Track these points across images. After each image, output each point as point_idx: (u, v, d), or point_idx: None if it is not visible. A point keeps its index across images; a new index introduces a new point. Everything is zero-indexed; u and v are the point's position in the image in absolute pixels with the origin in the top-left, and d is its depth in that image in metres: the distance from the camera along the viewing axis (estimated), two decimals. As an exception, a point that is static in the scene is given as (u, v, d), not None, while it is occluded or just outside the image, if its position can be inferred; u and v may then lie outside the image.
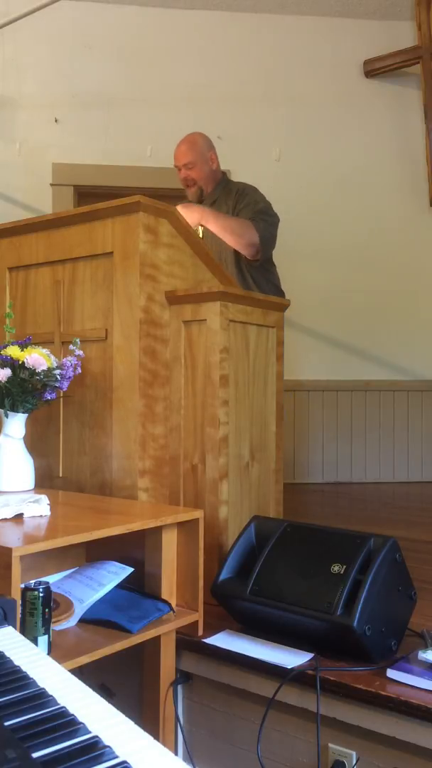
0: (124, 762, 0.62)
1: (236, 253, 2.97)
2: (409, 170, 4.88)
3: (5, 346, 2.02)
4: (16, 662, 0.86)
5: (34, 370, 1.96)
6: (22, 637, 0.97)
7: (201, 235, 2.93)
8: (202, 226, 2.90)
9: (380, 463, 4.87)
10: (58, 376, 1.99)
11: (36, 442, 2.22)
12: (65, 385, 2.02)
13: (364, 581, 1.59)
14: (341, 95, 4.85)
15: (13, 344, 2.01)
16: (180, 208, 2.70)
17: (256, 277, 3.01)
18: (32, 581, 1.44)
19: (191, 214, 2.80)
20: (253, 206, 2.98)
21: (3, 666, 0.85)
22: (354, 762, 1.56)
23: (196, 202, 3.10)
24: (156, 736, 1.39)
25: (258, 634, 1.79)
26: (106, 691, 1.88)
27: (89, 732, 0.68)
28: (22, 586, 1.40)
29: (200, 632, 1.81)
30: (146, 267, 2.05)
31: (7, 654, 0.89)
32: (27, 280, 2.33)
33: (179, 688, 1.88)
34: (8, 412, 2.00)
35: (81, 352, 2.04)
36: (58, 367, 2.00)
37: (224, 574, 1.83)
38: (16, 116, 4.60)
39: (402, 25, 4.84)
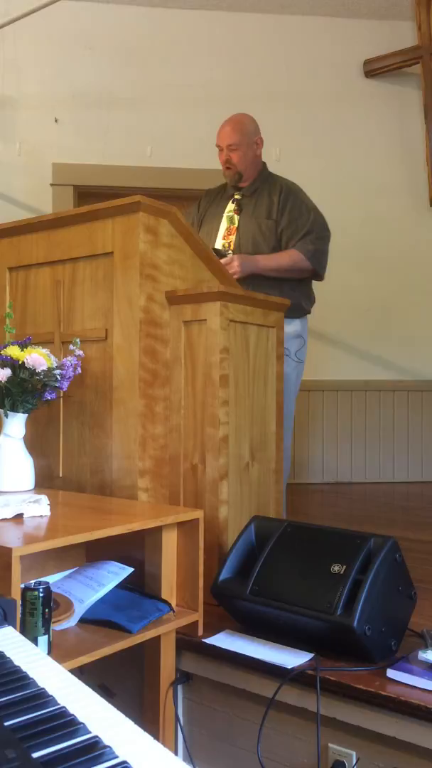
0: (124, 762, 0.62)
1: (273, 249, 2.86)
2: (409, 170, 4.88)
3: (5, 346, 2.02)
4: (16, 662, 0.86)
5: (34, 370, 1.96)
6: (22, 637, 0.97)
7: (236, 225, 2.84)
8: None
9: (380, 463, 4.86)
10: (58, 376, 1.99)
11: (36, 442, 2.22)
12: (65, 385, 2.02)
13: (364, 581, 1.59)
14: (341, 95, 4.85)
15: (13, 344, 2.01)
16: (227, 263, 2.59)
17: (288, 288, 2.89)
18: (32, 581, 1.43)
19: (238, 270, 2.66)
20: (301, 228, 2.84)
21: (3, 666, 0.85)
22: (354, 762, 1.56)
23: (233, 186, 2.95)
24: (156, 736, 1.39)
25: (258, 634, 1.79)
26: (106, 691, 1.88)
27: (89, 732, 0.68)
28: (22, 586, 1.40)
29: (200, 632, 1.81)
30: (146, 267, 2.05)
31: (7, 654, 0.89)
32: (27, 280, 2.33)
33: (179, 688, 1.88)
34: (8, 412, 2.00)
35: (81, 352, 2.04)
36: (58, 367, 2.00)
37: (224, 574, 1.83)
38: (16, 116, 4.60)
39: (402, 25, 4.84)
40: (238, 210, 2.87)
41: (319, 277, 2.95)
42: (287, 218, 2.86)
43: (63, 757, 0.63)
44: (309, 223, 2.85)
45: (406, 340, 4.85)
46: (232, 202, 2.91)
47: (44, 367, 1.97)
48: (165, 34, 4.70)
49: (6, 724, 0.69)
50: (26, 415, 2.03)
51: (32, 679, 0.81)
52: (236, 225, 2.83)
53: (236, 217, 2.86)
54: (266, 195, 2.93)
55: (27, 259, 2.30)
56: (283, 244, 2.87)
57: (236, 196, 2.91)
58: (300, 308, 2.90)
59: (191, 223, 2.88)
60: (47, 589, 1.42)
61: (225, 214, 2.92)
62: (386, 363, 4.85)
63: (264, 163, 3.05)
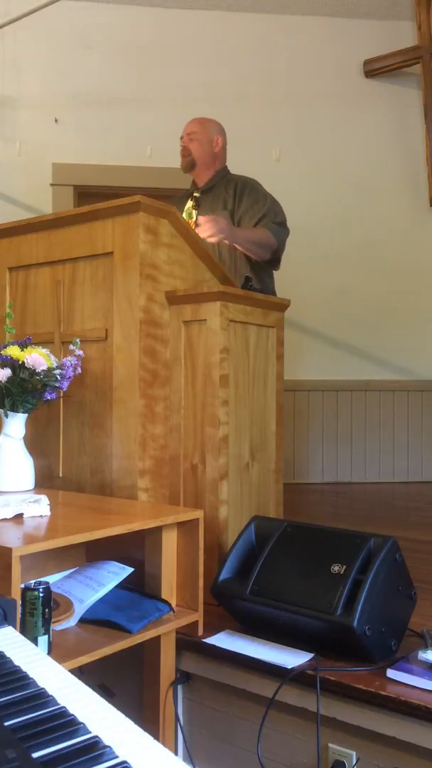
0: (124, 762, 0.62)
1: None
2: (409, 170, 4.88)
3: (5, 346, 2.02)
4: (16, 662, 0.86)
5: (34, 370, 1.96)
6: (22, 637, 0.97)
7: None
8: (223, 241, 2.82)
9: (380, 463, 4.86)
10: (58, 376, 1.99)
11: (36, 442, 2.22)
12: (65, 385, 2.02)
13: (364, 581, 1.59)
14: (341, 95, 4.85)
15: (13, 344, 2.01)
16: (204, 221, 2.64)
17: (250, 270, 2.95)
18: (32, 581, 1.43)
19: (215, 229, 2.68)
20: (259, 211, 2.91)
21: (3, 666, 0.85)
22: (354, 762, 1.56)
23: (187, 171, 3.08)
24: (156, 736, 1.39)
25: (258, 634, 1.79)
26: (106, 691, 1.88)
27: (89, 732, 0.68)
28: (22, 586, 1.40)
29: (200, 632, 1.81)
30: (146, 267, 2.05)
31: (7, 654, 0.89)
32: (27, 280, 2.33)
33: (179, 688, 1.88)
34: (8, 412, 2.00)
35: (81, 352, 2.04)
36: (58, 367, 2.00)
37: (224, 574, 1.83)
38: (16, 116, 4.60)
39: (402, 25, 4.84)
40: (197, 206, 2.94)
41: (276, 262, 2.98)
42: (244, 205, 2.95)
43: (63, 757, 0.63)
44: (266, 207, 2.93)
45: (406, 340, 4.84)
46: (191, 200, 2.99)
47: (44, 367, 1.97)
48: (165, 34, 4.70)
49: (6, 724, 0.69)
50: (26, 415, 2.03)
51: (32, 679, 0.81)
52: (194, 219, 2.88)
53: (194, 213, 2.93)
54: (222, 190, 3.04)
55: (27, 259, 2.30)
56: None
57: (195, 194, 2.99)
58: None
59: None
60: (47, 589, 1.42)
61: (184, 211, 2.97)
62: (386, 363, 4.85)
63: (225, 167, 3.15)
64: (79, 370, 2.04)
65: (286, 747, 1.67)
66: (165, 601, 1.76)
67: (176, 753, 1.85)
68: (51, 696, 0.76)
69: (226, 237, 2.74)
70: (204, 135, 3.06)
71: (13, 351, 1.97)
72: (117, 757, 0.64)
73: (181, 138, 3.11)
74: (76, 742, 0.66)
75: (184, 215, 2.95)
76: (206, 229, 2.63)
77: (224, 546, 2.04)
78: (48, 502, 1.75)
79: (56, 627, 1.56)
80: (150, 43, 4.68)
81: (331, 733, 1.59)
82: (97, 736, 0.67)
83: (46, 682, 0.81)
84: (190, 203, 2.97)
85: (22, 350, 1.98)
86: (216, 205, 2.99)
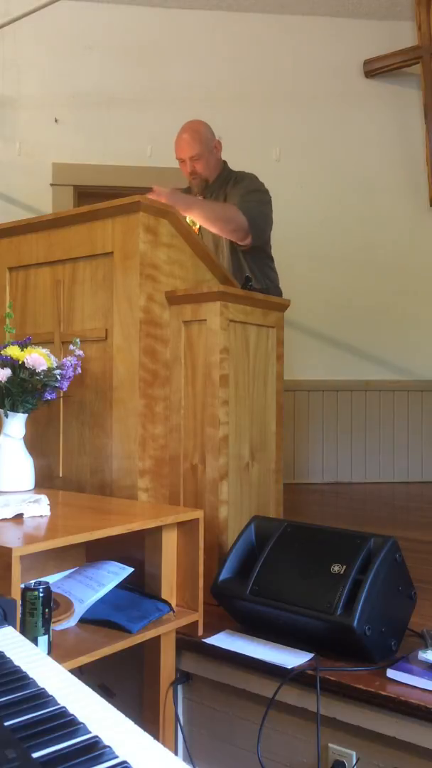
0: (124, 762, 0.62)
1: (232, 243, 2.87)
2: (409, 170, 4.88)
3: (5, 346, 2.02)
4: (16, 662, 0.86)
5: (34, 370, 1.96)
6: (22, 637, 0.97)
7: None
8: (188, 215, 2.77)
9: (380, 463, 4.86)
10: (58, 376, 1.99)
11: (36, 442, 2.22)
12: (65, 385, 2.02)
13: (364, 581, 1.59)
14: (341, 95, 4.85)
15: (13, 344, 2.01)
16: (164, 199, 2.48)
17: (253, 267, 2.91)
18: (32, 581, 1.43)
19: (169, 199, 2.56)
20: (242, 191, 2.83)
21: (3, 666, 0.85)
22: (354, 762, 1.56)
23: (200, 192, 2.96)
24: (156, 736, 1.39)
25: (258, 634, 1.79)
26: (106, 691, 1.88)
27: (89, 732, 0.68)
28: (22, 586, 1.40)
29: (200, 632, 1.81)
30: (146, 267, 2.05)
31: (7, 654, 0.89)
32: (27, 280, 2.33)
33: (179, 688, 1.88)
34: (8, 412, 2.00)
35: (81, 352, 2.04)
36: (58, 367, 2.00)
37: (224, 574, 1.83)
38: (16, 116, 4.60)
39: (402, 25, 4.84)
40: None
41: (259, 243, 2.86)
42: (230, 194, 2.88)
43: (63, 757, 0.63)
44: (243, 189, 2.85)
45: (406, 340, 4.84)
46: None
47: (44, 367, 1.97)
48: (165, 34, 4.70)
49: (6, 724, 0.69)
50: (26, 415, 2.03)
51: (32, 679, 0.81)
52: (197, 226, 2.83)
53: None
54: (222, 192, 2.96)
55: (27, 259, 2.30)
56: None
57: (200, 198, 2.93)
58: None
59: None
60: (47, 589, 1.42)
61: (188, 217, 2.92)
62: (386, 363, 4.85)
63: (224, 163, 3.05)
64: (79, 370, 2.04)
65: (286, 747, 1.67)
66: (165, 601, 1.76)
67: (176, 753, 1.85)
68: (51, 696, 0.76)
69: (177, 204, 2.49)
70: (205, 150, 2.91)
71: (13, 351, 1.97)
72: (117, 757, 0.64)
73: (181, 161, 2.96)
74: (76, 742, 0.66)
75: (188, 221, 2.92)
76: (162, 198, 2.49)
77: (224, 546, 2.04)
78: (48, 502, 1.75)
79: (56, 627, 1.56)
80: (150, 43, 4.68)
81: (331, 733, 1.59)
82: (97, 736, 0.67)
83: (46, 682, 0.81)
84: None
85: (22, 350, 1.98)
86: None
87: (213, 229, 2.78)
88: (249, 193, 2.83)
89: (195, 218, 2.73)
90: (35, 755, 0.63)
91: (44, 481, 2.19)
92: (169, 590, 1.82)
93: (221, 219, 2.74)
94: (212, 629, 1.83)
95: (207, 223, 2.74)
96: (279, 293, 2.98)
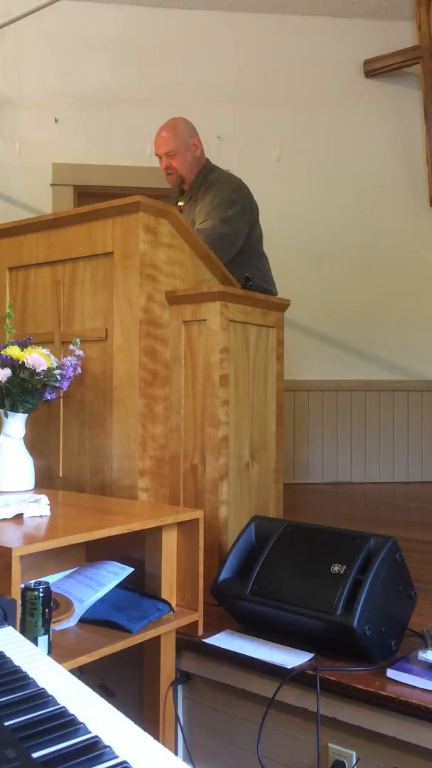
0: (124, 762, 0.62)
1: None
2: (409, 170, 4.88)
3: (5, 346, 2.02)
4: (16, 662, 0.86)
5: (34, 370, 1.96)
6: (22, 637, 0.97)
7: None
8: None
9: (380, 463, 4.86)
10: (58, 376, 1.99)
11: (36, 442, 2.22)
12: (65, 385, 2.02)
13: (364, 581, 1.59)
14: (341, 95, 4.85)
15: (13, 344, 2.01)
16: None
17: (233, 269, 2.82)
18: (32, 581, 1.44)
19: None
20: (216, 211, 2.74)
21: (3, 666, 0.85)
22: (354, 762, 1.56)
23: (176, 189, 2.94)
24: (156, 736, 1.39)
25: (258, 634, 1.79)
26: (106, 691, 1.88)
27: (89, 732, 0.68)
28: (22, 586, 1.40)
29: (200, 632, 1.81)
30: (146, 267, 2.05)
31: (7, 654, 0.89)
32: (27, 280, 2.33)
33: (179, 688, 1.88)
34: (8, 412, 2.00)
35: (81, 352, 2.04)
36: (58, 367, 2.00)
37: (224, 574, 1.83)
38: (16, 116, 4.60)
39: (402, 25, 4.84)
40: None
41: (234, 251, 2.79)
42: (205, 206, 2.81)
43: (63, 757, 0.63)
44: (214, 203, 2.77)
45: (406, 339, 4.85)
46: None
47: (44, 367, 1.97)
48: (165, 34, 4.70)
49: (6, 724, 0.69)
50: (26, 415, 2.03)
51: (32, 679, 0.81)
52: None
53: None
54: (202, 195, 2.92)
55: (27, 259, 2.30)
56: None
57: (180, 204, 2.90)
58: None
59: None
60: (47, 589, 1.42)
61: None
62: (386, 363, 4.85)
63: (207, 161, 3.00)
64: (79, 370, 2.04)
65: (286, 747, 1.67)
66: (165, 601, 1.76)
67: (176, 753, 1.85)
68: (51, 696, 0.76)
69: None
70: (181, 147, 2.89)
71: (13, 351, 1.97)
72: (117, 757, 0.63)
73: (158, 156, 2.95)
74: (76, 742, 0.66)
75: None
76: None
77: (224, 546, 2.04)
78: (48, 502, 1.75)
79: (56, 627, 1.56)
80: (150, 43, 4.68)
81: (331, 733, 1.59)
82: (97, 736, 0.67)
83: (46, 682, 0.81)
84: None
85: (22, 350, 1.98)
86: (191, 214, 2.89)
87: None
88: (221, 210, 2.75)
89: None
90: (35, 755, 0.63)
91: (44, 481, 2.19)
92: (169, 590, 1.82)
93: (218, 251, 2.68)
94: (212, 629, 1.83)
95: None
96: (269, 291, 2.92)
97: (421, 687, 1.49)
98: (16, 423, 2.01)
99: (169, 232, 2.13)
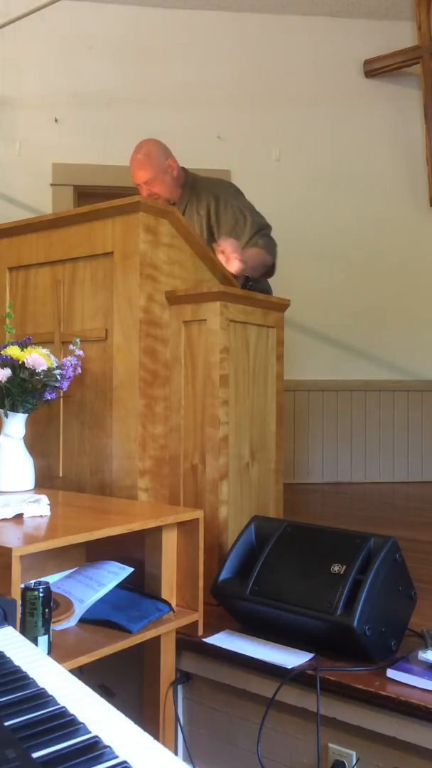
0: (124, 762, 0.62)
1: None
2: (409, 170, 4.88)
3: (5, 346, 2.02)
4: (16, 662, 0.86)
5: (34, 370, 1.96)
6: (22, 637, 0.97)
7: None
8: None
9: (380, 463, 4.86)
10: (58, 376, 1.99)
11: (36, 442, 2.22)
12: (65, 385, 2.02)
13: (364, 581, 1.59)
14: (341, 95, 4.85)
15: (13, 344, 2.01)
16: (233, 268, 2.40)
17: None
18: (32, 581, 1.44)
19: (231, 266, 2.45)
20: (244, 232, 2.76)
21: (3, 666, 0.85)
22: (354, 762, 1.56)
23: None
24: (156, 736, 1.39)
25: (258, 634, 1.79)
26: (106, 691, 1.88)
27: (89, 732, 0.68)
28: (22, 586, 1.40)
29: (200, 632, 1.81)
30: (146, 267, 2.05)
31: (7, 654, 0.89)
32: (27, 280, 2.33)
33: (179, 688, 1.88)
34: (8, 412, 2.00)
35: (81, 352, 2.04)
36: (58, 367, 2.00)
37: (224, 574, 1.83)
38: (16, 116, 4.60)
39: (402, 25, 4.84)
40: None
41: (273, 271, 2.86)
42: (224, 228, 2.80)
43: (63, 757, 0.63)
44: (250, 223, 2.79)
45: (406, 340, 4.85)
46: None
47: (44, 367, 1.97)
48: (165, 34, 4.70)
49: (6, 724, 0.69)
50: (26, 415, 2.03)
51: (32, 679, 0.81)
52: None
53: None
54: (195, 211, 2.87)
55: (27, 259, 2.30)
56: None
57: None
58: None
59: None
60: (47, 589, 1.42)
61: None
62: (386, 363, 4.85)
63: (185, 172, 2.94)
64: (79, 370, 2.04)
65: (286, 747, 1.67)
66: (165, 601, 1.76)
67: (176, 753, 1.85)
68: (51, 696, 0.76)
69: (240, 270, 2.48)
70: (159, 173, 2.82)
71: (13, 351, 1.97)
72: (117, 757, 0.64)
73: (138, 186, 2.88)
74: (76, 742, 0.66)
75: None
76: (231, 259, 2.41)
77: (224, 546, 2.04)
78: (48, 502, 1.75)
79: (56, 627, 1.56)
80: (150, 43, 4.68)
81: (331, 733, 1.59)
82: (97, 736, 0.67)
83: (46, 682, 0.81)
84: None
85: (22, 350, 1.98)
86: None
87: (256, 275, 2.72)
88: (259, 228, 2.78)
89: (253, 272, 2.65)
90: (35, 755, 0.63)
91: (44, 481, 2.19)
92: (169, 590, 1.82)
93: (265, 266, 2.74)
94: (212, 629, 1.83)
95: (256, 273, 2.70)
96: (269, 289, 2.91)
97: (421, 687, 1.49)
98: (16, 423, 2.01)
99: (169, 232, 2.13)
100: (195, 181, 2.94)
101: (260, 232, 2.81)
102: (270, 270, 2.84)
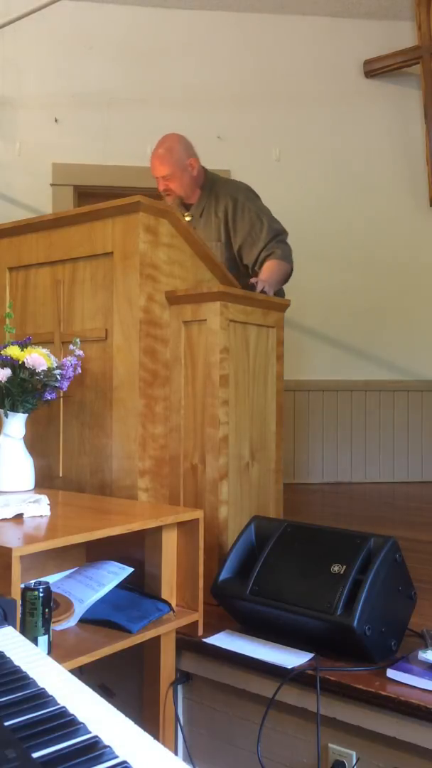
0: (124, 762, 0.62)
1: (231, 260, 2.83)
2: (409, 170, 4.88)
3: (5, 346, 2.02)
4: (16, 662, 0.86)
5: (34, 370, 1.96)
6: (22, 637, 0.97)
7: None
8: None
9: (380, 463, 4.86)
10: (58, 376, 1.99)
11: (36, 442, 2.22)
12: (65, 385, 2.02)
13: (364, 581, 1.59)
14: (341, 95, 4.85)
15: (13, 344, 2.01)
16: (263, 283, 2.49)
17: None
18: (32, 581, 1.44)
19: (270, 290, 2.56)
20: (261, 239, 2.77)
21: (3, 666, 0.85)
22: (354, 762, 1.56)
23: (178, 207, 2.85)
24: (156, 736, 1.39)
25: (258, 634, 1.79)
26: (106, 691, 1.88)
27: (89, 732, 0.68)
28: (22, 586, 1.40)
29: (200, 632, 1.81)
30: (146, 267, 2.05)
31: (7, 654, 0.89)
32: (27, 280, 2.33)
33: (179, 688, 1.88)
34: (8, 412, 2.00)
35: (81, 352, 2.04)
36: (58, 367, 2.00)
37: (224, 574, 1.83)
38: (16, 116, 4.60)
39: (402, 25, 4.84)
40: None
41: (290, 276, 2.90)
42: (241, 233, 2.81)
43: (63, 757, 0.63)
44: (266, 232, 2.80)
45: (406, 340, 4.85)
46: None
47: (44, 367, 1.97)
48: (165, 34, 4.70)
49: (6, 724, 0.69)
50: (26, 415, 2.03)
51: (32, 679, 0.81)
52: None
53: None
54: (213, 213, 2.86)
55: (27, 259, 2.30)
56: (244, 259, 2.83)
57: (186, 218, 2.85)
58: None
59: None
60: (47, 589, 1.42)
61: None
62: (386, 363, 4.85)
63: (206, 173, 2.94)
64: (79, 370, 2.04)
65: (286, 747, 1.67)
66: (165, 601, 1.76)
67: (176, 753, 1.85)
68: (51, 696, 0.76)
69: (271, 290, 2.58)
70: (177, 169, 2.82)
71: (13, 351, 1.97)
72: (117, 757, 0.64)
73: (156, 179, 2.89)
74: (76, 742, 0.66)
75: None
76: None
77: (224, 546, 2.04)
78: (48, 502, 1.75)
79: (56, 627, 1.56)
80: (150, 43, 4.68)
81: (331, 733, 1.59)
82: (97, 736, 0.67)
83: (46, 682, 0.81)
84: None
85: (22, 350, 1.98)
86: (209, 232, 2.85)
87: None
88: (274, 240, 2.78)
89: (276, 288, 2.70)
90: (35, 755, 0.63)
91: (44, 481, 2.19)
92: (169, 590, 1.82)
93: (285, 278, 2.78)
94: (212, 629, 1.83)
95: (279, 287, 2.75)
96: (282, 294, 2.95)
97: (421, 687, 1.49)
98: (16, 423, 2.01)
99: (169, 232, 2.13)
100: (214, 182, 2.94)
101: (277, 238, 2.81)
102: (288, 277, 2.85)
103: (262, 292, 2.45)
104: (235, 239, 2.83)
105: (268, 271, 2.72)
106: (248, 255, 2.81)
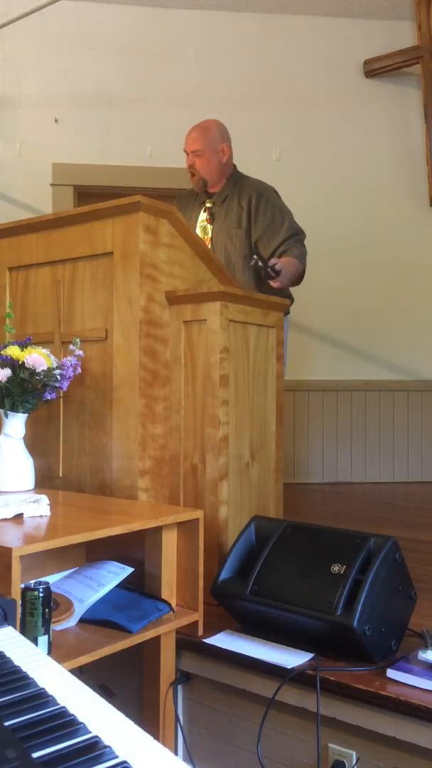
0: (124, 762, 0.62)
1: (246, 259, 2.83)
2: (409, 170, 4.88)
3: (5, 346, 2.02)
4: (16, 662, 0.86)
5: (34, 370, 1.95)
6: (22, 637, 0.97)
7: (209, 234, 2.83)
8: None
9: (380, 463, 4.86)
10: (58, 376, 1.99)
11: (36, 442, 2.22)
12: (65, 385, 2.02)
13: (364, 581, 1.59)
14: (341, 95, 4.85)
15: (13, 344, 2.01)
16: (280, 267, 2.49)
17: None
18: (32, 581, 1.44)
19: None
20: (279, 234, 2.79)
21: (3, 666, 0.85)
22: (354, 762, 1.56)
23: (201, 191, 2.92)
24: (156, 736, 1.39)
25: (258, 634, 1.79)
26: (106, 691, 1.88)
27: (89, 732, 0.68)
28: (22, 586, 1.40)
29: (200, 632, 1.81)
30: (146, 267, 2.05)
31: (7, 654, 0.89)
32: (27, 280, 2.33)
33: (179, 688, 1.88)
34: (8, 412, 2.00)
35: (81, 352, 2.04)
36: (58, 367, 2.00)
37: (224, 574, 1.83)
38: (16, 116, 4.60)
39: (402, 25, 4.84)
40: (211, 219, 2.86)
41: (302, 278, 2.92)
42: (260, 225, 2.82)
43: (63, 757, 0.63)
44: (285, 229, 2.82)
45: (406, 340, 4.85)
46: (204, 211, 2.89)
47: (44, 367, 1.97)
48: (165, 34, 4.70)
49: (6, 724, 0.69)
50: (26, 415, 2.03)
51: (32, 679, 0.81)
52: (210, 235, 2.82)
53: (209, 227, 2.85)
54: (236, 202, 2.89)
55: (27, 259, 2.30)
56: (260, 252, 2.81)
57: (207, 204, 2.89)
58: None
59: None
60: (47, 589, 1.42)
61: (198, 224, 2.89)
62: (386, 363, 4.85)
63: (234, 167, 3.00)
64: (79, 370, 2.04)
65: (286, 747, 1.67)
66: (165, 601, 1.76)
67: (176, 753, 1.85)
68: (51, 696, 0.76)
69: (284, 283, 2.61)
70: (209, 149, 2.87)
71: (13, 351, 1.97)
72: (117, 757, 0.64)
73: (185, 152, 2.94)
74: (76, 742, 0.66)
75: (198, 230, 2.88)
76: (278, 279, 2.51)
77: (224, 546, 2.04)
78: (48, 502, 1.75)
79: (56, 627, 1.56)
80: (150, 43, 4.68)
81: (331, 733, 1.59)
82: (97, 736, 0.67)
83: (46, 682, 0.81)
84: (204, 215, 2.89)
85: (22, 350, 1.98)
86: (229, 220, 2.87)
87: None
88: (292, 238, 2.81)
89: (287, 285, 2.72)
90: (35, 755, 0.63)
91: (44, 481, 2.19)
92: (169, 590, 1.82)
93: (299, 276, 2.80)
94: (212, 629, 1.83)
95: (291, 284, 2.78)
96: (289, 295, 2.95)
97: (421, 687, 1.49)
98: (16, 423, 2.01)
99: (169, 232, 2.13)
100: (241, 177, 2.99)
101: (295, 237, 2.84)
102: (300, 278, 2.86)
103: (275, 271, 2.42)
104: (255, 230, 2.84)
105: (288, 269, 2.71)
106: (265, 248, 2.81)
